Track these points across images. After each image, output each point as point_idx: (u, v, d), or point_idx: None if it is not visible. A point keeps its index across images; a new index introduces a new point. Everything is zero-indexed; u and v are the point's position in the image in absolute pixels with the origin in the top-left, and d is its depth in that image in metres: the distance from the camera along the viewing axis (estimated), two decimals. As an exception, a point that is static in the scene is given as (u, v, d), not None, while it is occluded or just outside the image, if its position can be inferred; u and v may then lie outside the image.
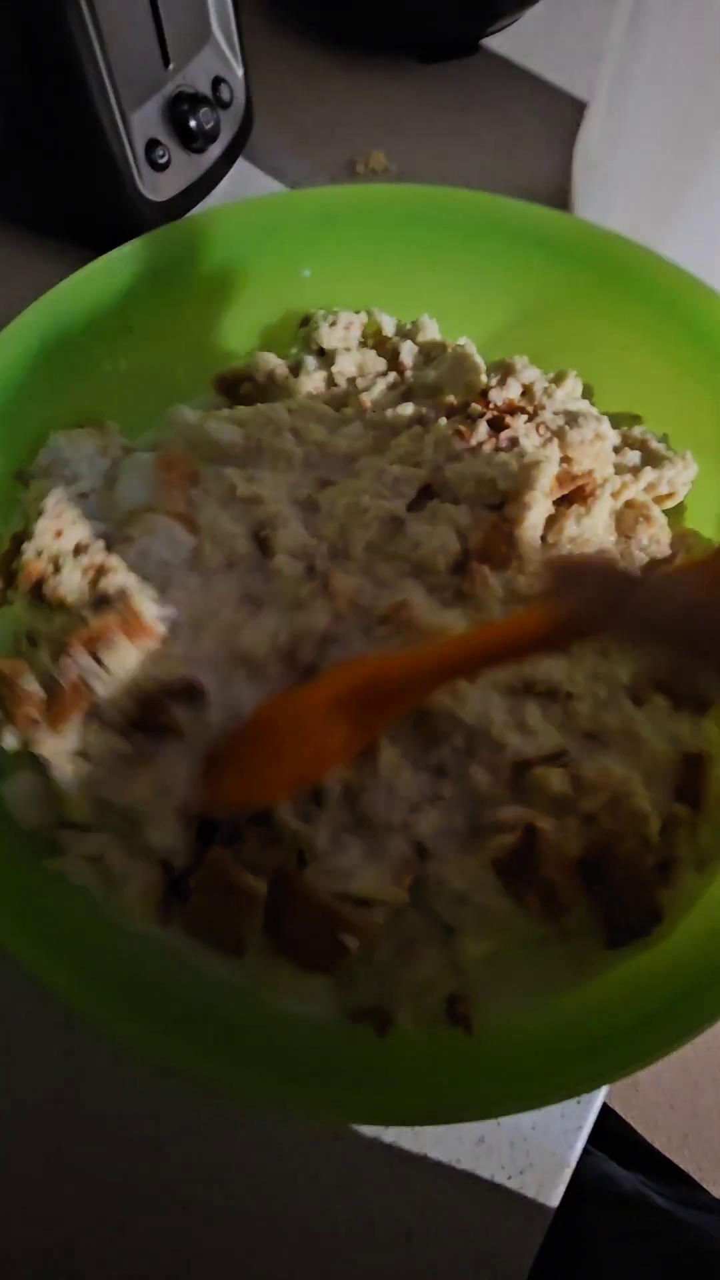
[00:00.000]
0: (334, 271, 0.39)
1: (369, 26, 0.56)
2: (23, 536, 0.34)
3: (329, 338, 0.38)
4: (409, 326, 0.39)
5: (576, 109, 0.57)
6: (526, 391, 0.36)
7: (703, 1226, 0.47)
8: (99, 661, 0.31)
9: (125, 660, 0.31)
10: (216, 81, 0.48)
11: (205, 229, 0.38)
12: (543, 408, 0.35)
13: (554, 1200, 0.34)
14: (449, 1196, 0.34)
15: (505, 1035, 0.29)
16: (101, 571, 0.33)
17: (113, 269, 0.37)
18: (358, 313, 0.39)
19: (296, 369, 0.39)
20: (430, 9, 0.54)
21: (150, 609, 0.33)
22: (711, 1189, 0.58)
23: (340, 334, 0.38)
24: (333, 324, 0.38)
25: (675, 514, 0.37)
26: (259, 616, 0.33)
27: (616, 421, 0.37)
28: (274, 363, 0.39)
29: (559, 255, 0.37)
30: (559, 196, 0.52)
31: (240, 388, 0.40)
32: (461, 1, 0.54)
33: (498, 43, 0.59)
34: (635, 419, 0.37)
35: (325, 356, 0.38)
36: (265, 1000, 0.30)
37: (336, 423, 0.37)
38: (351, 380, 0.37)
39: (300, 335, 0.39)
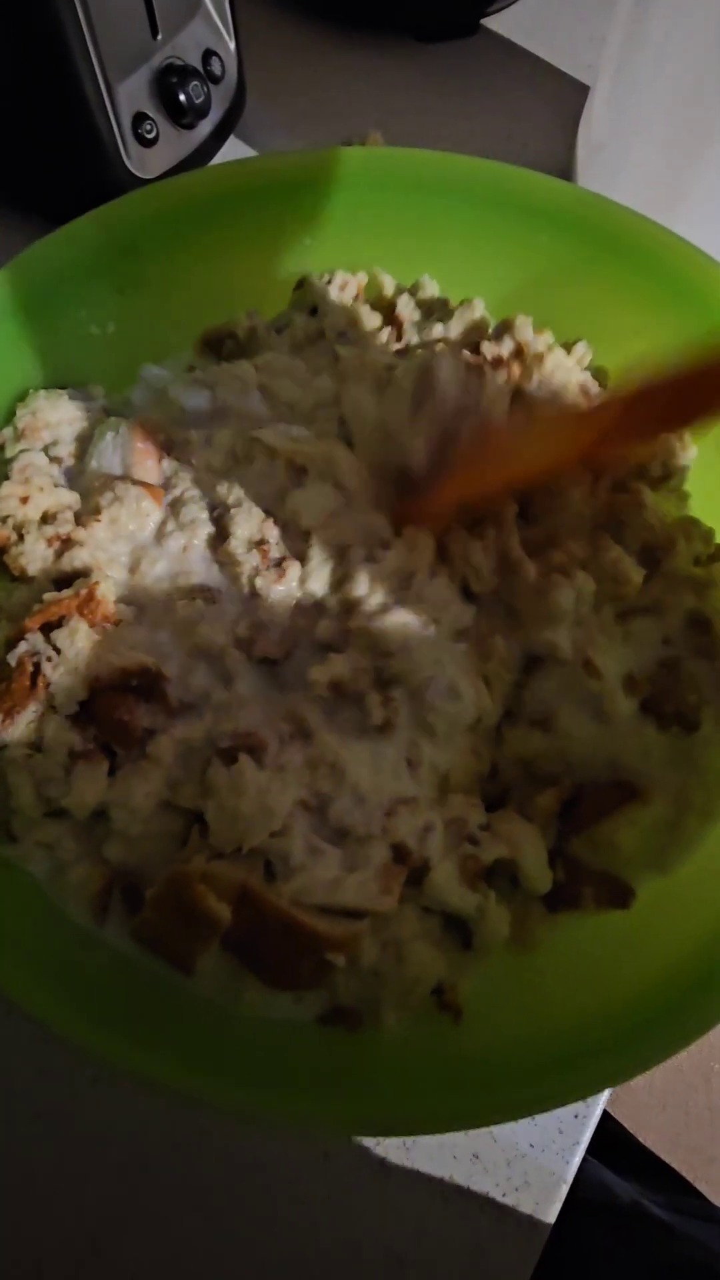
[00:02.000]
0: (336, 238, 0.37)
1: (367, 4, 0.55)
2: None
3: (322, 294, 0.36)
4: (409, 287, 0.37)
5: (578, 91, 0.55)
6: (520, 352, 0.34)
7: (700, 1238, 0.46)
8: (53, 645, 0.29)
9: (80, 645, 0.29)
10: (207, 54, 0.46)
11: (203, 186, 0.36)
12: (528, 374, 0.33)
13: (550, 1217, 0.33)
14: (442, 1217, 0.32)
15: (494, 1036, 0.28)
16: (67, 543, 0.31)
17: (102, 225, 0.35)
18: (355, 274, 0.37)
19: (282, 328, 0.37)
20: (429, -15, 0.52)
21: (112, 590, 0.31)
22: (702, 1188, 0.57)
23: (335, 292, 0.36)
24: (328, 282, 0.37)
25: (678, 504, 0.36)
26: (218, 604, 0.32)
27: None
28: (257, 319, 0.37)
29: (571, 230, 0.35)
30: (559, 177, 0.51)
31: (223, 346, 0.38)
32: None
33: (498, 23, 0.58)
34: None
35: (316, 314, 0.36)
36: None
37: (308, 378, 0.35)
38: (341, 334, 0.35)
39: (294, 298, 0.38)
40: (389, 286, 0.36)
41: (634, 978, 0.27)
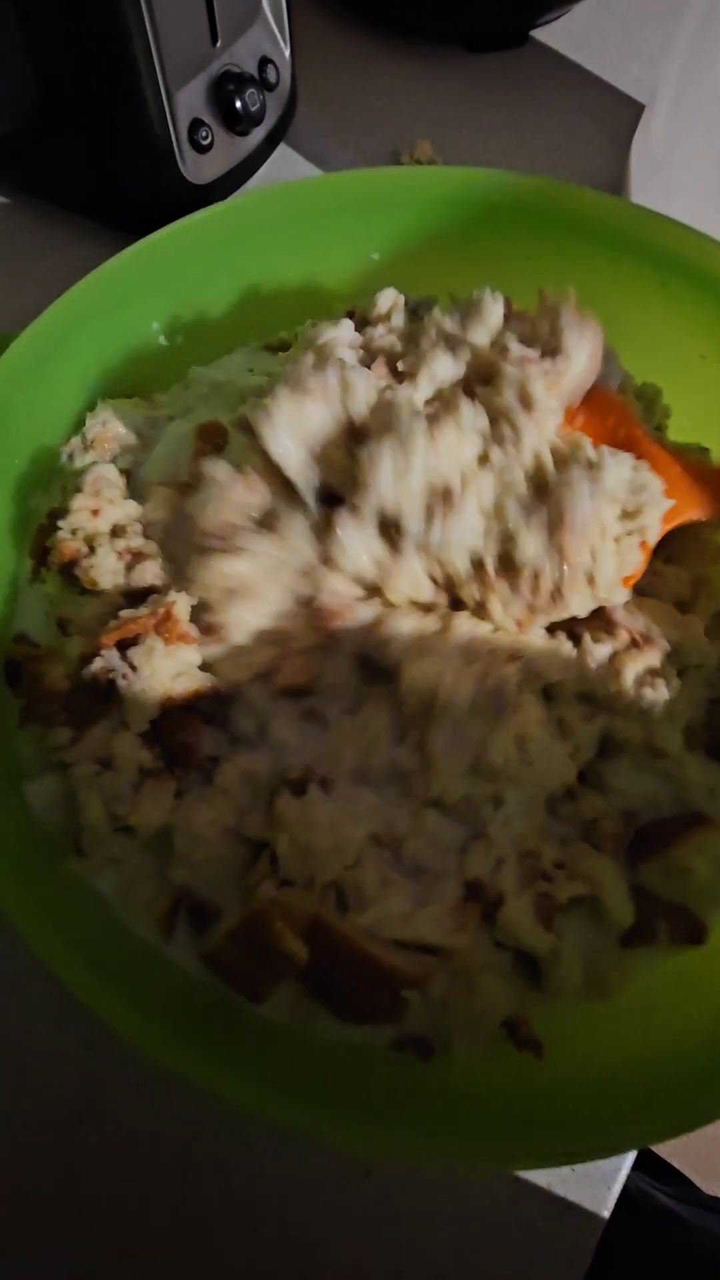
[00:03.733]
0: (403, 255, 0.37)
1: (417, 13, 0.54)
2: (60, 512, 0.32)
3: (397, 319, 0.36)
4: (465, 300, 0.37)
5: (625, 105, 0.55)
6: None
7: (709, 1227, 0.47)
8: (129, 662, 0.29)
9: (157, 664, 0.29)
10: (264, 62, 0.46)
11: (271, 204, 0.36)
12: None
13: (591, 1242, 0.33)
14: (484, 1239, 0.32)
15: (567, 1073, 0.27)
16: (138, 557, 0.31)
17: (173, 242, 0.35)
18: (427, 297, 0.37)
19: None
20: (481, -3, 0.52)
21: (186, 610, 0.30)
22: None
23: (408, 316, 0.36)
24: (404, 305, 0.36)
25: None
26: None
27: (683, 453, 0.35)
28: (323, 331, 0.37)
29: (639, 253, 0.35)
30: (610, 194, 0.51)
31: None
32: (512, -10, 0.52)
33: (547, 35, 0.58)
34: (703, 450, 0.34)
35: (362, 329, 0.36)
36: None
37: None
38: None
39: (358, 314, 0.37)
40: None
41: (706, 1017, 0.27)
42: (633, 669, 0.30)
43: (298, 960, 0.26)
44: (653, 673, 0.30)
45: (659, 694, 0.29)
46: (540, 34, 0.57)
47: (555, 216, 0.35)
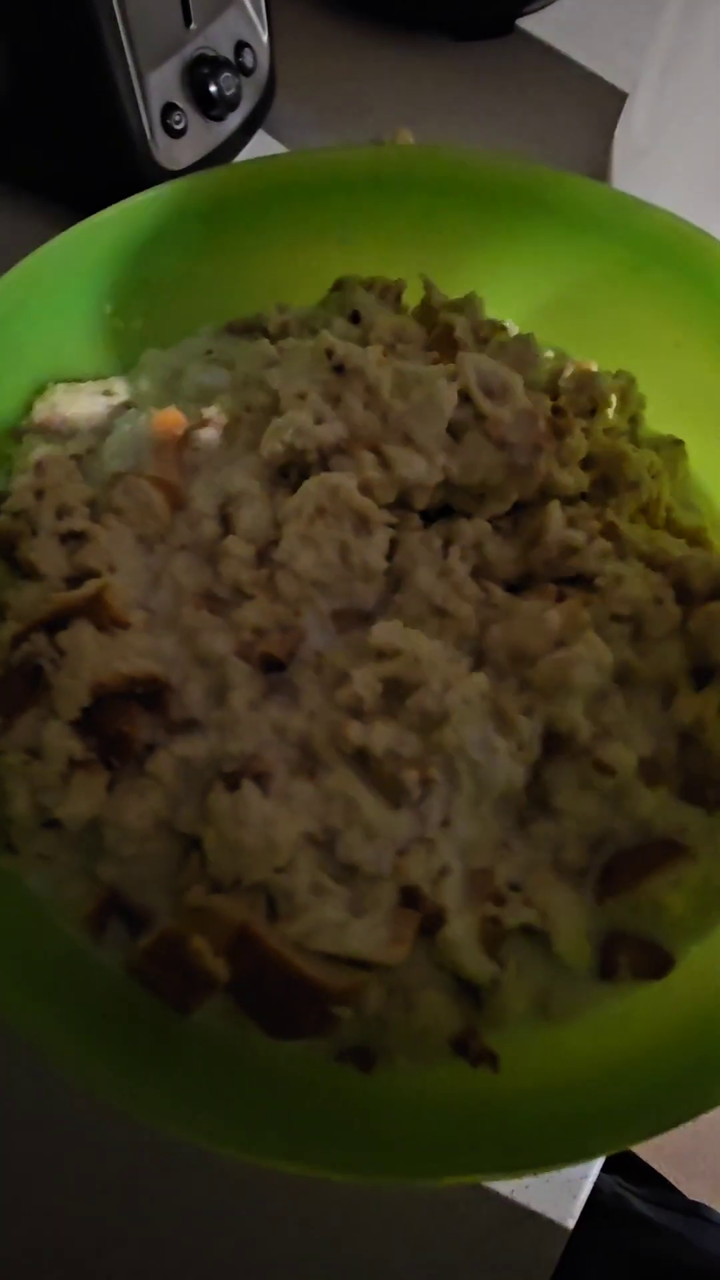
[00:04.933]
0: (371, 238, 0.36)
1: (401, 0, 0.54)
2: (2, 495, 0.32)
3: (364, 300, 0.35)
4: (459, 301, 0.36)
5: (612, 94, 0.54)
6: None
7: (681, 1232, 0.46)
8: (56, 646, 0.27)
9: (86, 649, 0.27)
10: (240, 46, 0.45)
11: (234, 181, 0.35)
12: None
13: (554, 1253, 0.32)
14: (446, 1244, 0.31)
15: (516, 1083, 0.26)
16: (81, 540, 0.30)
17: (123, 219, 0.34)
18: (396, 280, 0.36)
19: (317, 329, 0.36)
20: (466, -17, 0.52)
21: (122, 591, 0.29)
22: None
23: (375, 299, 0.35)
24: (369, 288, 0.36)
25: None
26: (222, 610, 0.30)
27: (657, 445, 0.34)
28: (290, 313, 0.36)
29: (617, 237, 0.34)
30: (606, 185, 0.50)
31: (252, 338, 0.36)
32: (499, -22, 0.52)
33: (533, 24, 0.57)
34: (677, 443, 0.33)
35: (359, 321, 0.35)
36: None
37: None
38: (389, 347, 0.33)
39: (332, 299, 0.36)
40: (437, 298, 0.35)
41: (669, 1022, 0.26)
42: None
43: (217, 980, 0.24)
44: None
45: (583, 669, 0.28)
46: (526, 22, 0.57)
47: (528, 197, 0.34)
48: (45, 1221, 0.31)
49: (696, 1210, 0.51)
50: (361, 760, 0.28)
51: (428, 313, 0.35)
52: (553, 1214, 0.32)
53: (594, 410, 0.33)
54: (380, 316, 0.34)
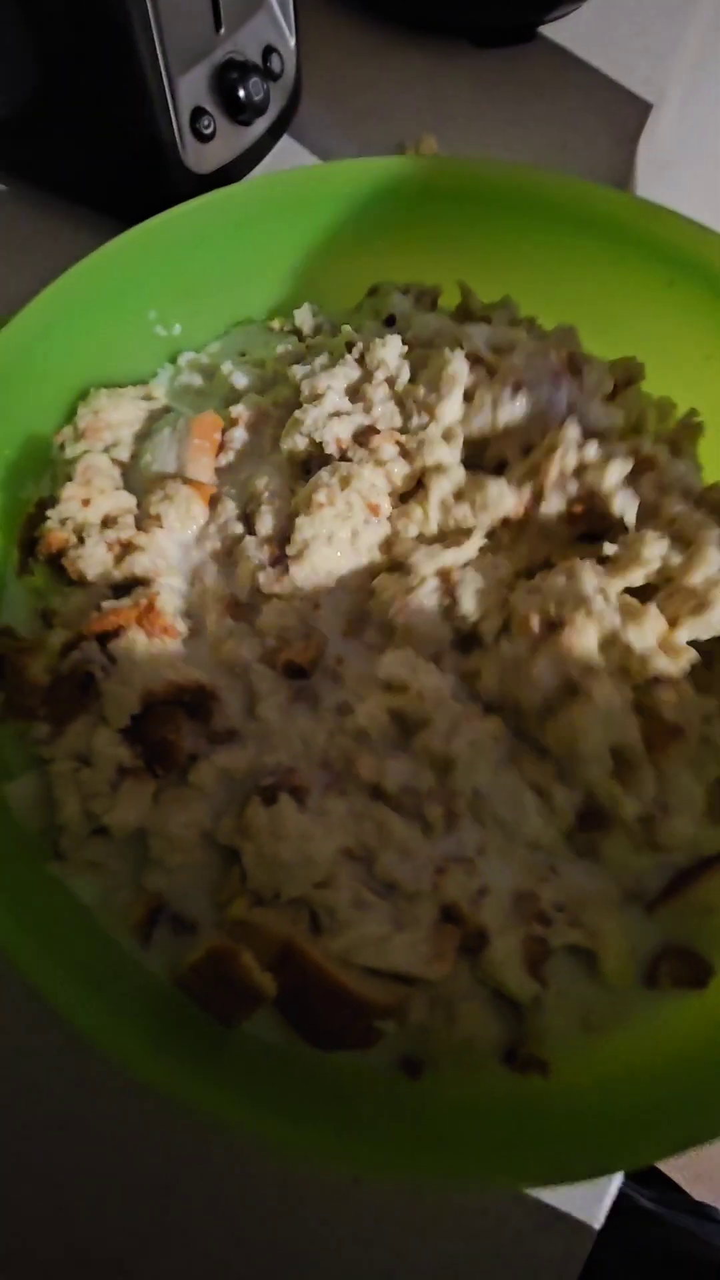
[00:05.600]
0: (406, 244, 0.36)
1: (426, 7, 0.54)
2: (49, 502, 0.32)
3: (401, 305, 0.35)
4: (495, 305, 0.36)
5: (632, 103, 0.54)
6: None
7: (692, 1230, 0.46)
8: (108, 655, 0.28)
9: (138, 657, 0.28)
10: (268, 51, 0.45)
11: (271, 191, 0.35)
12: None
13: (583, 1252, 0.32)
14: (473, 1248, 0.32)
15: (564, 1091, 0.26)
16: (128, 549, 0.30)
17: (170, 228, 0.34)
18: (433, 285, 0.36)
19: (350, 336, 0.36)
20: (491, -9, 0.52)
21: (171, 601, 0.30)
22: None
23: (411, 303, 0.36)
24: (405, 292, 0.36)
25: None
26: (246, 616, 0.30)
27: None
28: (324, 316, 0.36)
29: (640, 246, 0.34)
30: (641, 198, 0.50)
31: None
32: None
33: (555, 31, 0.57)
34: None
35: (394, 324, 0.35)
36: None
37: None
38: (425, 345, 0.33)
39: (367, 305, 0.37)
40: (475, 303, 0.35)
41: (706, 1029, 0.26)
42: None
43: (264, 994, 0.25)
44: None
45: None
46: (548, 30, 0.57)
47: (563, 210, 0.35)
48: (82, 1223, 0.32)
49: (702, 1210, 0.52)
50: (379, 792, 0.28)
51: (465, 317, 0.35)
52: (581, 1215, 0.32)
53: (630, 382, 0.33)
54: (417, 318, 0.34)
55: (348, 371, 0.32)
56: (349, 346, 0.33)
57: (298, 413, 0.31)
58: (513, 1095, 0.26)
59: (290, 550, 0.30)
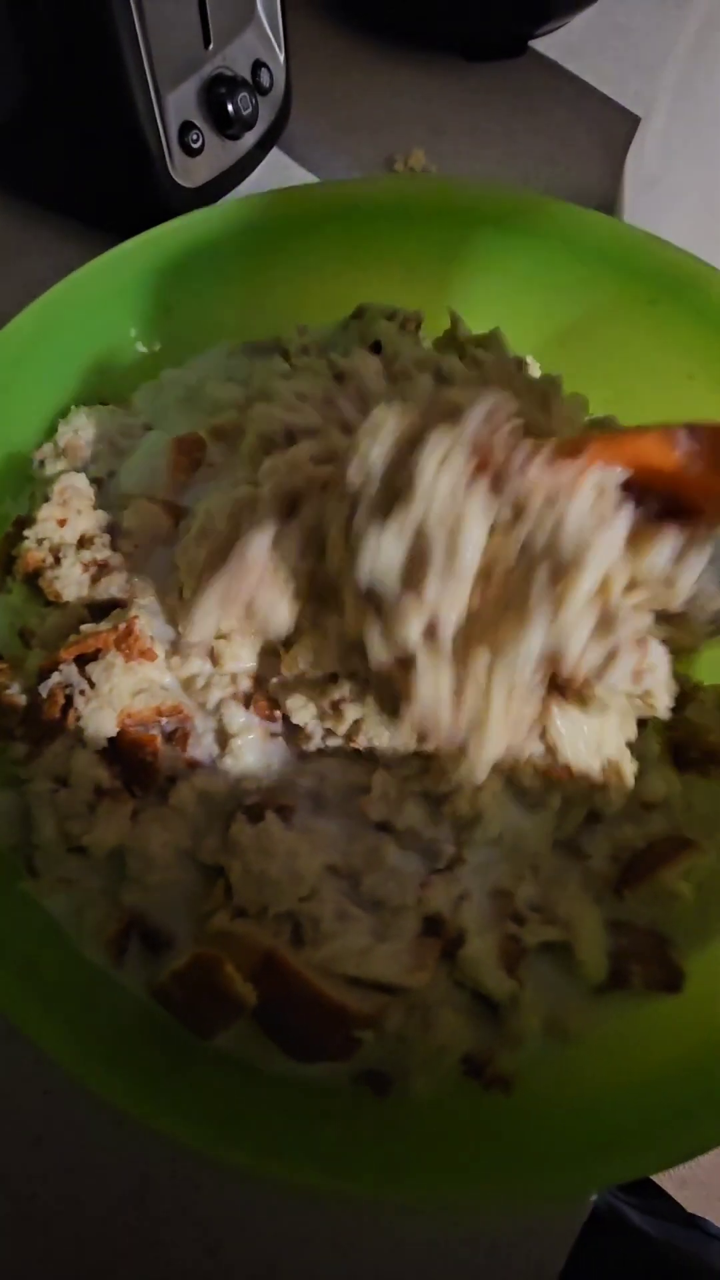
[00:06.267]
0: (390, 264, 0.37)
1: (416, 20, 0.54)
2: (27, 521, 0.32)
3: (386, 331, 0.36)
4: (483, 336, 0.36)
5: (622, 116, 0.55)
6: None
7: (681, 1247, 0.46)
8: (87, 678, 0.28)
9: (116, 680, 0.28)
10: (257, 66, 0.45)
11: (256, 211, 0.36)
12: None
13: (558, 1262, 0.32)
14: (448, 1256, 0.32)
15: (531, 1110, 0.27)
16: (103, 569, 0.30)
17: (151, 248, 0.35)
18: (415, 311, 0.36)
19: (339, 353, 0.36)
20: (481, 5, 0.52)
21: (151, 625, 0.30)
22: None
23: (396, 329, 0.36)
24: (390, 318, 0.36)
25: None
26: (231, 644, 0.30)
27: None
28: (310, 336, 0.36)
29: (631, 271, 0.34)
30: (604, 209, 0.50)
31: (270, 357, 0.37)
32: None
33: (545, 45, 0.57)
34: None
35: (382, 352, 0.36)
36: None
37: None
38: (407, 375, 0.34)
39: (352, 326, 0.37)
40: (463, 333, 0.35)
41: (669, 1057, 0.27)
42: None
43: (246, 1004, 0.25)
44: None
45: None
46: (539, 44, 0.57)
47: (548, 231, 0.35)
48: (54, 1234, 0.32)
49: (694, 1222, 0.52)
50: (384, 826, 0.28)
51: (451, 345, 0.35)
52: (557, 1225, 0.32)
53: None
54: (404, 348, 0.34)
55: (322, 383, 0.32)
56: (337, 377, 0.33)
57: (249, 412, 0.31)
58: (478, 1115, 0.26)
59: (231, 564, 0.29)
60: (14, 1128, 0.33)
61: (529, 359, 0.36)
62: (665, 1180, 0.60)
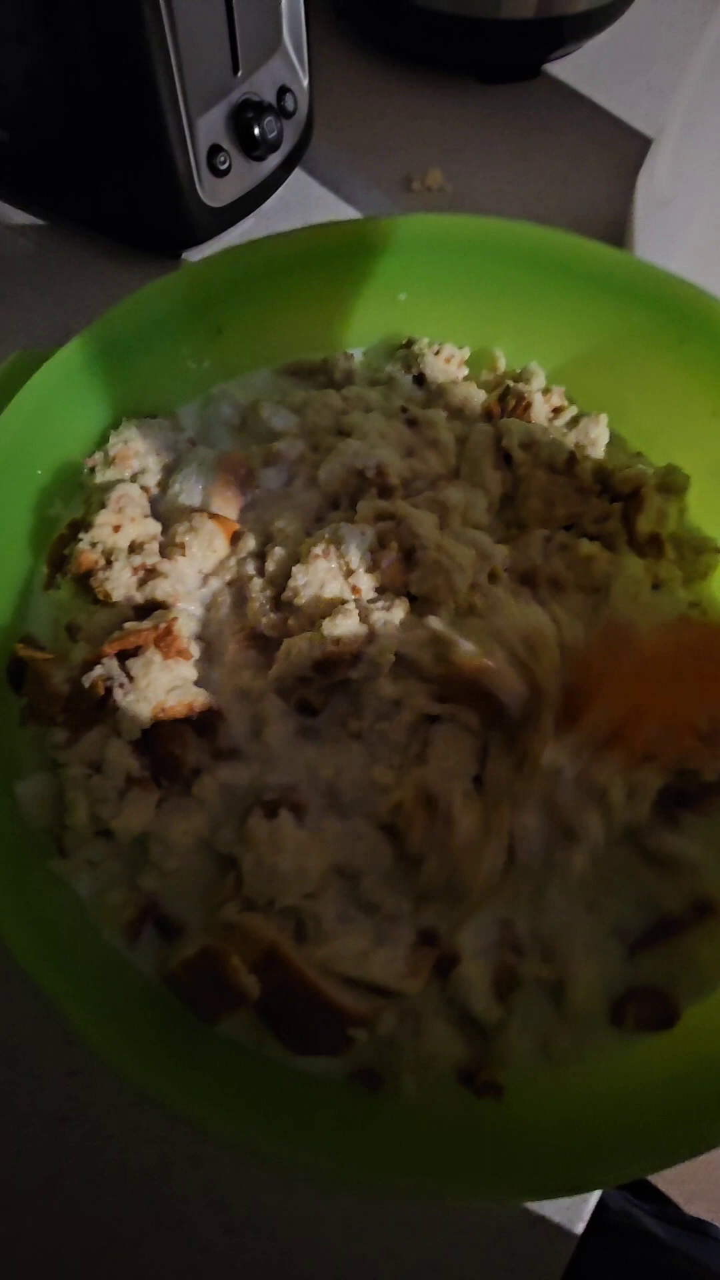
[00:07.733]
0: (424, 298, 0.39)
1: (432, 45, 0.56)
2: (80, 524, 0.34)
3: (432, 365, 0.38)
4: (519, 372, 0.39)
5: (634, 139, 0.56)
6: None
7: (689, 1252, 0.47)
8: (127, 672, 0.30)
9: (153, 676, 0.30)
10: (282, 91, 0.47)
11: (308, 243, 0.37)
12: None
13: (564, 1256, 0.33)
14: (457, 1245, 0.33)
15: (520, 1111, 0.28)
16: (151, 574, 0.32)
17: (209, 271, 0.37)
18: (461, 347, 0.39)
19: (379, 381, 0.39)
20: (496, 31, 0.54)
21: (189, 628, 0.32)
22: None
23: (443, 364, 0.38)
24: (437, 352, 0.38)
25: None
26: (265, 648, 0.32)
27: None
28: (353, 361, 0.38)
29: (657, 309, 0.36)
30: (615, 229, 0.52)
31: (315, 379, 0.39)
32: (526, 25, 0.54)
33: (559, 68, 0.59)
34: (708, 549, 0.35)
35: (425, 385, 0.38)
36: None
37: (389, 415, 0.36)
38: (457, 410, 0.36)
39: (398, 355, 0.39)
40: (501, 366, 0.38)
41: (662, 1072, 0.27)
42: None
43: (249, 995, 0.26)
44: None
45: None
46: (552, 67, 0.59)
47: (579, 271, 0.37)
48: (78, 1210, 0.33)
49: (701, 1227, 0.52)
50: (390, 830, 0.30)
51: (495, 383, 0.38)
52: (562, 1219, 0.33)
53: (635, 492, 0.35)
54: (450, 386, 0.37)
55: (399, 429, 0.35)
56: (403, 411, 0.35)
57: (340, 445, 0.33)
58: (469, 1115, 0.27)
59: (285, 595, 0.31)
60: (40, 1105, 0.34)
61: (535, 365, 0.38)
62: (673, 1192, 0.60)
